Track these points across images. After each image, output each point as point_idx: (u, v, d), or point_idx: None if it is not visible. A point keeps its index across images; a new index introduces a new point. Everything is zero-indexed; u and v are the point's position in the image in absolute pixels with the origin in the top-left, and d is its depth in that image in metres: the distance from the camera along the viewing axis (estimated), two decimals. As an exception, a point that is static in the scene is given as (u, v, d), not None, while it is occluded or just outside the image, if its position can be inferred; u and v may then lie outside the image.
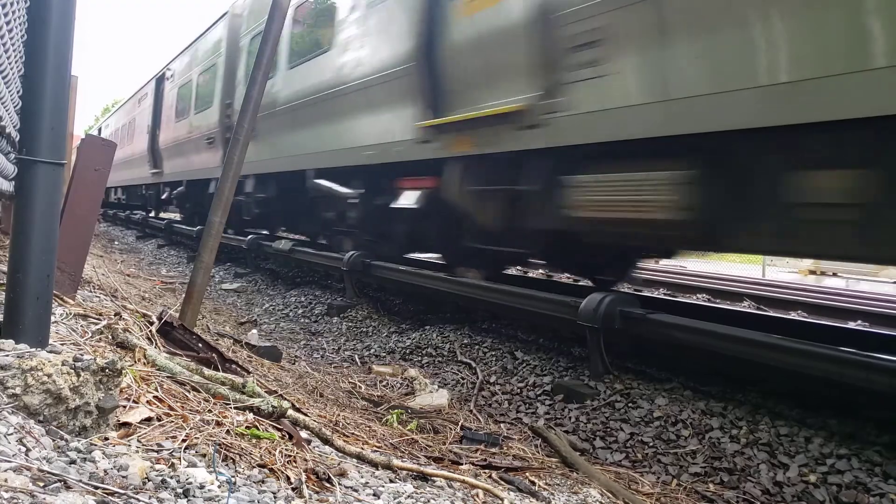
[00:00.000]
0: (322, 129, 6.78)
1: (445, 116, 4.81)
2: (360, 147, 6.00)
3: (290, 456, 1.78)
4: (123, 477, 1.30)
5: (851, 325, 6.24)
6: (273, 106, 7.54)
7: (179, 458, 1.50)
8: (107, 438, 1.52)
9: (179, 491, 1.32)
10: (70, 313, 2.61)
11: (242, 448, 1.72)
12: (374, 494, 1.73)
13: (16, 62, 2.09)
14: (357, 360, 4.83)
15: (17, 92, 2.18)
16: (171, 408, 1.84)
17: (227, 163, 3.85)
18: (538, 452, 2.91)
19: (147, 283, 7.07)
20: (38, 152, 1.78)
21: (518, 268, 9.11)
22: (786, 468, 2.68)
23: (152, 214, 17.20)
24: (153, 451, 1.52)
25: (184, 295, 3.89)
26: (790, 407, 3.15)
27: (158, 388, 1.96)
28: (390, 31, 5.39)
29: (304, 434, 2.08)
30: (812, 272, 16.05)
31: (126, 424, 1.64)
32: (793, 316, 6.65)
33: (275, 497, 1.47)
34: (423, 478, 2.02)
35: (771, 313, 6.61)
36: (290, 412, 2.15)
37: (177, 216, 15.42)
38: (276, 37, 3.93)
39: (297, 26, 7.39)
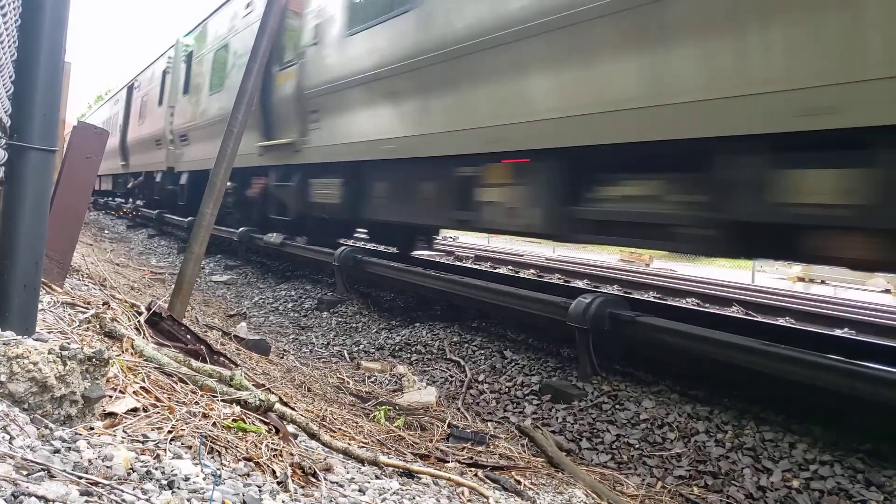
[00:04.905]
0: (216, 141, 9.01)
1: (269, 141, 8.06)
2: None
3: (276, 450, 1.77)
4: (108, 467, 1.29)
5: (838, 332, 6.29)
6: (198, 120, 11.18)
7: (165, 450, 1.49)
8: (92, 428, 1.52)
9: (164, 482, 1.32)
10: (58, 301, 2.59)
11: (228, 441, 1.71)
12: (359, 490, 1.73)
13: (9, 47, 2.07)
14: (346, 355, 4.83)
15: (10, 77, 2.16)
16: (157, 399, 1.83)
17: (219, 154, 3.84)
18: (524, 452, 2.92)
19: (136, 272, 7.03)
20: (30, 138, 1.76)
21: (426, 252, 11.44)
22: (770, 473, 2.70)
23: (121, 200, 20.06)
24: (138, 441, 1.51)
25: (173, 286, 3.87)
26: (775, 412, 3.18)
27: (145, 378, 1.95)
28: None
29: (290, 428, 2.08)
30: (801, 279, 16.15)
31: (112, 414, 1.63)
32: (780, 322, 6.69)
33: (260, 490, 1.47)
34: (409, 475, 2.02)
35: (759, 319, 6.65)
36: (278, 406, 2.14)
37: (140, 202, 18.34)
38: (273, 30, 3.93)
39: (215, 61, 10.88)
